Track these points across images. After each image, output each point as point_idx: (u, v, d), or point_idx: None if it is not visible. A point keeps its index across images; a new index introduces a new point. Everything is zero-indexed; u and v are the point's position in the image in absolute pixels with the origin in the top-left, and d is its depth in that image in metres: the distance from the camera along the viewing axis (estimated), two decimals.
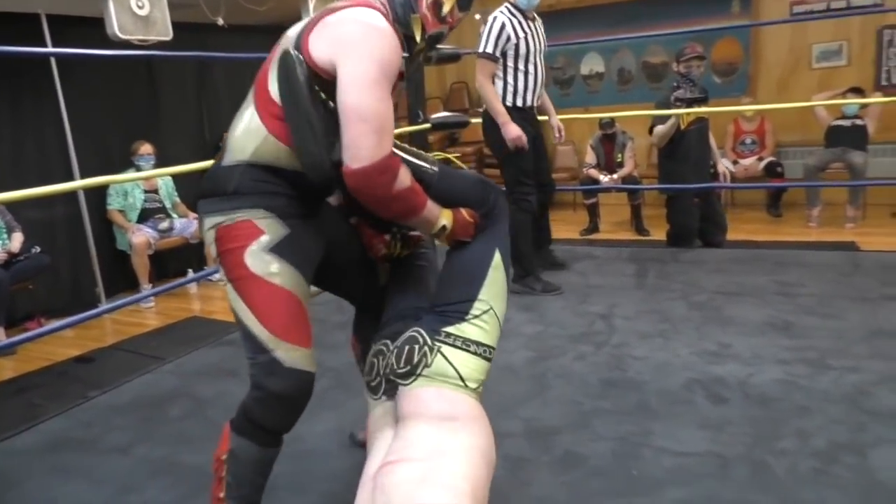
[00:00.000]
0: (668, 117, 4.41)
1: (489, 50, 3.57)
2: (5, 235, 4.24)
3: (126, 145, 4.92)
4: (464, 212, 1.63)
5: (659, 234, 5.85)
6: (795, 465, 1.93)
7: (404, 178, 1.46)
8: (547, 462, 2.03)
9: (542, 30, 3.76)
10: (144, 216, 4.97)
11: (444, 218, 1.59)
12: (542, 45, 3.71)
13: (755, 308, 3.23)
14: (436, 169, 1.68)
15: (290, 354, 1.47)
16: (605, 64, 7.38)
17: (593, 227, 6.16)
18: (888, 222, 5.57)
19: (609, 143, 6.17)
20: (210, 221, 1.50)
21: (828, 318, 3.02)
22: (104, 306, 4.00)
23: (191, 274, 4.92)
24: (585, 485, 1.91)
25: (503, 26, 3.55)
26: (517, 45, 3.56)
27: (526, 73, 3.62)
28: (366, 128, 1.38)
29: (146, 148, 4.89)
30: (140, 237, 4.77)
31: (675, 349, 2.80)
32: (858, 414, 2.18)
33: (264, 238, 1.46)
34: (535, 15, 3.71)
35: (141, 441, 2.38)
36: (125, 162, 4.87)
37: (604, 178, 6.05)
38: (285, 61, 1.42)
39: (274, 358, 1.46)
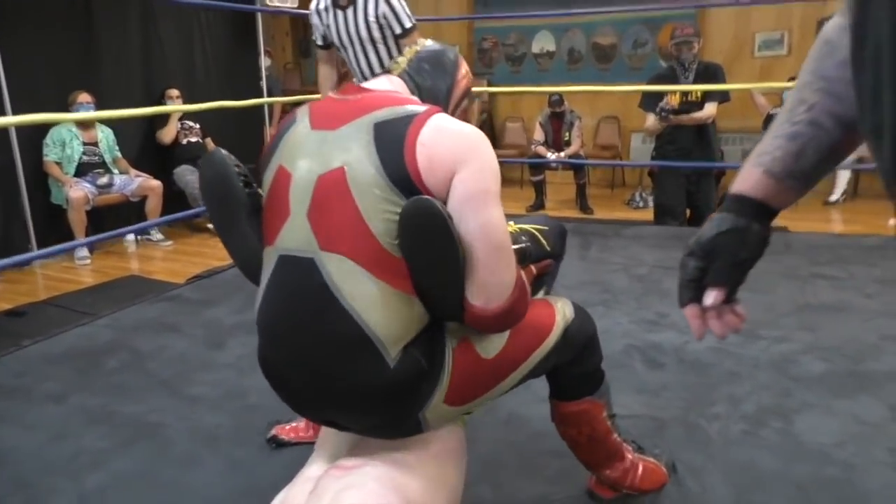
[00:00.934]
0: (656, 101, 4.31)
1: (314, 37, 3.28)
2: None
3: (64, 96, 4.72)
4: (533, 268, 1.57)
5: (602, 212, 5.97)
6: (726, 428, 2.01)
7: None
8: (491, 423, 2.06)
9: (370, 14, 3.03)
10: (82, 170, 4.78)
11: None
12: (361, 32, 3.08)
13: None
14: (526, 240, 1.55)
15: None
16: (556, 43, 7.44)
17: (539, 204, 6.24)
18: (819, 208, 5.80)
19: (557, 121, 6.24)
20: (430, 412, 1.20)
21: (759, 292, 3.14)
22: (35, 252, 3.86)
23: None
24: (529, 445, 1.96)
25: (310, 14, 3.22)
26: (323, 35, 3.21)
27: (341, 63, 3.37)
28: (501, 254, 1.13)
29: (84, 97, 4.69)
30: (78, 192, 4.60)
31: (615, 317, 2.88)
32: (785, 380, 2.29)
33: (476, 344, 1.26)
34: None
35: (76, 391, 2.32)
36: (63, 112, 4.67)
37: (551, 156, 6.12)
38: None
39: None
